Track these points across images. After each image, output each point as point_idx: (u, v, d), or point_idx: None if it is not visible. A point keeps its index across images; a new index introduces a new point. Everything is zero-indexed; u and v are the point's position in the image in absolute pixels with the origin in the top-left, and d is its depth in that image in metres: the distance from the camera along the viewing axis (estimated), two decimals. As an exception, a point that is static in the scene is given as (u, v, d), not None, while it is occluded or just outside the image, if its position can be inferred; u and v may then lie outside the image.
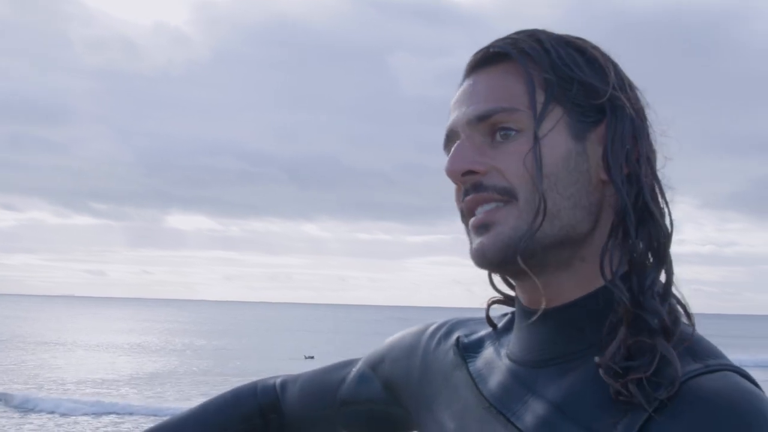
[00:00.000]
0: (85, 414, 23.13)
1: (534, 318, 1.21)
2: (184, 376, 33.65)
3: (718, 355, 1.13)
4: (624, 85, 1.22)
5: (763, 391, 1.08)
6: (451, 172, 1.20)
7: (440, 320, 1.49)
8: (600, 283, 1.17)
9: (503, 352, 1.29)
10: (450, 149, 1.23)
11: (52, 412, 23.44)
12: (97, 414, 23.07)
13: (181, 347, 52.31)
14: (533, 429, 1.14)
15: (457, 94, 1.26)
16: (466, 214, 1.23)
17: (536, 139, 1.16)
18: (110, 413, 23.10)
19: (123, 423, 22.05)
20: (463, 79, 1.27)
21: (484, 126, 1.20)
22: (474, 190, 1.20)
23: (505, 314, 1.38)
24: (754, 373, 1.14)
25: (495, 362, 1.29)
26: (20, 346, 48.92)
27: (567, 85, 1.19)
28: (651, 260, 1.16)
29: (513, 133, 1.18)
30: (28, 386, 29.55)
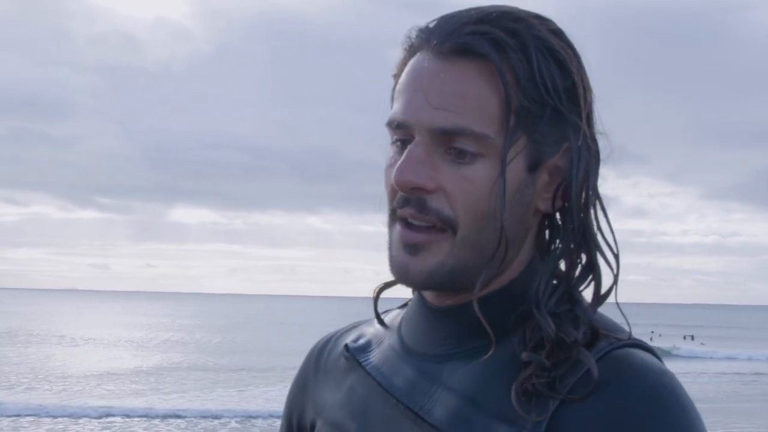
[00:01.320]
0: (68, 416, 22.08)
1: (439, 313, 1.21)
2: (188, 372, 33.57)
3: (619, 328, 1.16)
4: (589, 104, 1.18)
5: (659, 358, 1.14)
6: (402, 184, 1.13)
7: (321, 338, 1.45)
8: (507, 281, 1.18)
9: (402, 348, 1.25)
10: (397, 139, 1.17)
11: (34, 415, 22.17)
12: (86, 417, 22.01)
13: (184, 341, 52.30)
14: (445, 422, 1.13)
15: (415, 71, 1.16)
16: (395, 218, 1.17)
17: (503, 190, 1.11)
18: (109, 416, 22.19)
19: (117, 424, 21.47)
20: (421, 51, 1.18)
21: (444, 138, 1.12)
22: (415, 207, 1.14)
23: (387, 311, 1.36)
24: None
25: (393, 359, 1.25)
26: (21, 341, 48.98)
27: (540, 111, 1.13)
28: (576, 275, 1.17)
29: (469, 156, 1.12)
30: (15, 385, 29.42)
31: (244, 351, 43.36)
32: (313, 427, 1.34)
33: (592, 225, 1.17)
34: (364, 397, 1.25)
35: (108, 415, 21.73)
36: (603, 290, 1.17)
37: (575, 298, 1.15)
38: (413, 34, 1.20)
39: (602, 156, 1.19)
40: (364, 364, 1.28)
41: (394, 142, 1.19)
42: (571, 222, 1.16)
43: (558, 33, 1.18)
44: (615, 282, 1.17)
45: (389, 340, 1.30)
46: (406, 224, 1.15)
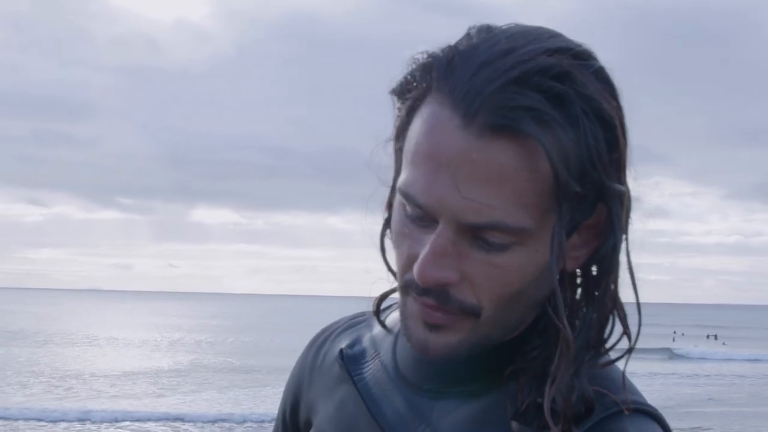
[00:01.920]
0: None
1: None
2: (209, 374, 33.67)
3: (633, 391, 1.08)
4: (625, 168, 1.06)
5: (667, 427, 1.07)
6: (426, 281, 1.02)
7: (322, 328, 1.39)
8: (516, 332, 1.09)
9: (395, 372, 1.19)
10: (413, 214, 1.04)
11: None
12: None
13: (206, 342, 52.42)
14: None
15: (437, 141, 1.00)
16: (408, 293, 1.07)
17: (555, 276, 1.02)
18: (124, 420, 21.95)
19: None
20: (440, 103, 1.00)
21: (473, 230, 1.00)
22: (436, 299, 1.03)
23: (391, 306, 1.29)
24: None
25: (386, 383, 1.19)
26: (40, 341, 49.18)
27: (587, 192, 1.01)
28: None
29: (505, 245, 1.00)
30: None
31: (267, 352, 43.39)
32: (307, 424, 1.32)
33: (616, 289, 1.08)
34: (351, 417, 1.21)
35: (121, 419, 21.65)
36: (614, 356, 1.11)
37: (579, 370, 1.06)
38: (431, 71, 1.03)
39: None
40: (356, 379, 1.23)
41: (408, 215, 1.06)
42: (603, 289, 1.07)
43: (599, 73, 1.04)
44: (630, 350, 1.10)
45: (384, 355, 1.24)
46: (422, 306, 1.06)
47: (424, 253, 1.01)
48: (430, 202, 1.00)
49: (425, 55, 1.04)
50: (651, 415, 1.06)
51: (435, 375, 1.15)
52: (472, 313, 1.04)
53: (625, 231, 1.06)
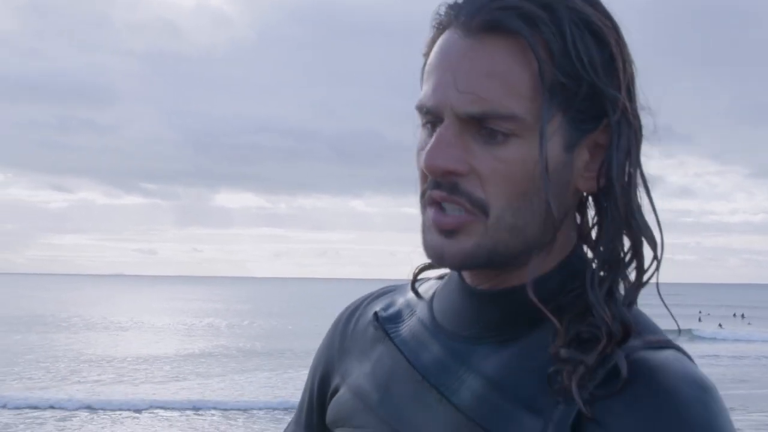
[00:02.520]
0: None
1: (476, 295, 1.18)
2: (229, 360, 33.73)
3: (657, 330, 1.12)
4: (631, 80, 1.12)
5: (699, 370, 1.07)
6: (432, 169, 1.09)
7: (352, 302, 1.41)
8: (549, 268, 1.14)
9: (432, 324, 1.22)
10: (427, 122, 1.13)
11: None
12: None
13: (235, 326, 52.52)
14: (469, 406, 1.10)
15: (443, 51, 1.12)
16: (427, 202, 1.13)
17: (546, 170, 1.07)
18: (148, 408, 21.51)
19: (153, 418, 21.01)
20: (449, 28, 1.13)
21: (474, 121, 1.08)
22: (447, 190, 1.10)
23: (422, 280, 1.32)
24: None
25: (423, 335, 1.22)
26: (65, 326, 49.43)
27: (575, 87, 1.08)
28: (619, 262, 1.12)
29: (501, 136, 1.07)
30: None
31: (292, 336, 43.47)
32: (335, 392, 1.31)
33: (636, 205, 1.12)
34: (389, 369, 1.22)
35: (142, 408, 21.41)
36: (645, 276, 1.13)
37: (613, 292, 1.11)
38: (442, 10, 1.14)
39: (646, 132, 1.14)
40: (392, 335, 1.25)
41: (424, 125, 1.15)
42: (614, 203, 1.11)
43: (595, 4, 1.11)
44: (657, 268, 1.13)
45: (420, 312, 1.26)
46: (439, 207, 1.11)
47: (429, 145, 1.09)
48: (433, 102, 1.10)
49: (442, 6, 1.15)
50: (684, 353, 1.09)
51: (473, 321, 1.17)
52: (481, 208, 1.09)
53: (631, 149, 1.11)
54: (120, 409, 21.22)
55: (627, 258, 1.13)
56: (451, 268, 1.16)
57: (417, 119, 1.17)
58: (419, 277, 1.31)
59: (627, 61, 1.12)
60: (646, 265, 1.13)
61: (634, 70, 1.13)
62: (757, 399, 23.58)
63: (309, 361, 1.43)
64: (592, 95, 1.08)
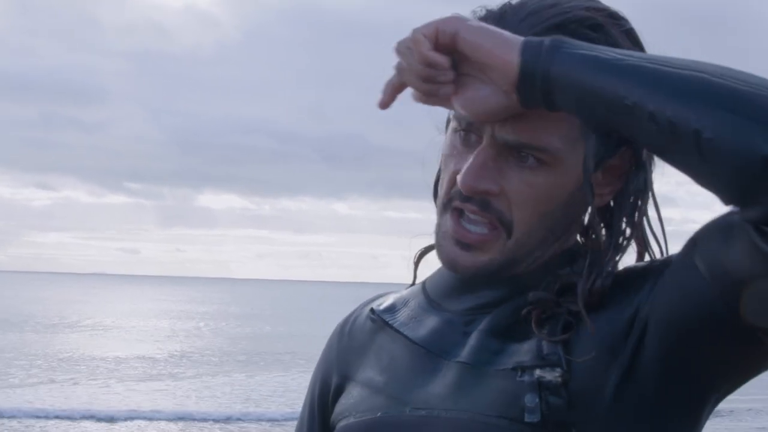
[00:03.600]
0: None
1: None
2: (214, 363, 33.48)
3: None
4: None
5: None
6: (470, 189, 1.16)
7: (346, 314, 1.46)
8: (550, 254, 1.21)
9: (427, 303, 1.28)
10: (461, 131, 1.20)
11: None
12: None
13: (212, 329, 52.30)
14: (471, 357, 1.17)
15: None
16: (450, 209, 1.20)
17: (593, 208, 1.17)
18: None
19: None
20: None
21: (510, 148, 1.16)
22: (478, 206, 1.17)
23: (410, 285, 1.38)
24: None
25: (421, 314, 1.27)
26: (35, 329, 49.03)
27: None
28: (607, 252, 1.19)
29: (533, 160, 1.15)
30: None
31: (277, 339, 43.24)
32: (338, 392, 1.34)
33: (642, 222, 1.21)
34: (391, 352, 1.27)
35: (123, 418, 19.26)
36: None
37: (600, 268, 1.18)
38: (482, 14, 1.19)
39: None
40: (390, 322, 1.30)
41: (456, 131, 1.21)
42: (621, 219, 1.20)
43: (629, 33, 1.19)
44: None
45: (414, 299, 1.31)
46: (459, 218, 1.19)
47: (468, 163, 1.15)
48: (477, 120, 1.14)
49: (482, 10, 1.19)
50: None
51: (466, 292, 1.24)
52: (507, 228, 1.17)
53: (647, 178, 1.20)
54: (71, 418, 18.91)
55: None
56: (461, 276, 1.22)
57: (436, 120, 1.26)
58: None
59: None
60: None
61: None
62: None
63: (300, 363, 1.42)
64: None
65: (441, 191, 1.23)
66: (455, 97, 1.12)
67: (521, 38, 1.08)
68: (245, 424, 19.04)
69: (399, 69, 1.13)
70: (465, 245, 1.18)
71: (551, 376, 1.10)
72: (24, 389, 23.18)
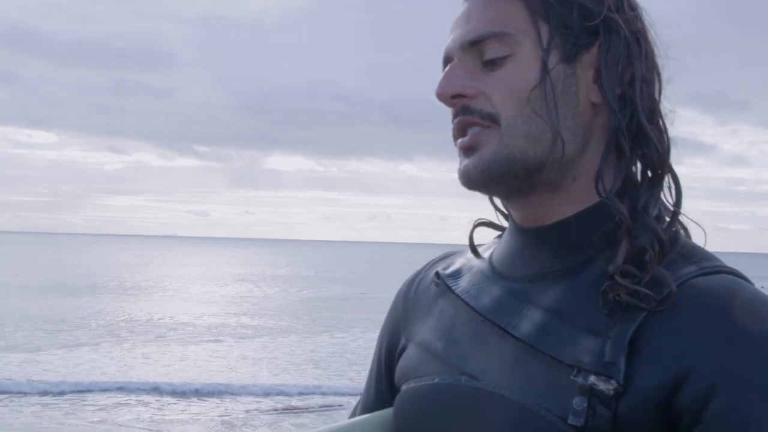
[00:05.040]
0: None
1: (528, 235, 1.24)
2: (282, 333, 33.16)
3: (713, 258, 1.16)
4: (623, 5, 1.21)
5: (751, 288, 1.12)
6: (440, 95, 1.22)
7: (413, 272, 1.48)
8: (593, 200, 1.19)
9: (491, 271, 1.28)
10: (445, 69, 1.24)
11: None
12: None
13: (288, 295, 51.83)
14: (530, 335, 1.15)
15: (456, 16, 1.25)
16: (456, 135, 1.23)
17: (546, 71, 1.18)
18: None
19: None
20: (464, 1, 1.26)
21: (475, 50, 1.20)
22: (462, 113, 1.20)
23: (481, 245, 1.38)
24: None
25: (483, 282, 1.27)
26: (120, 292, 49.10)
27: (561, 7, 1.19)
28: (648, 179, 1.19)
29: (500, 61, 1.19)
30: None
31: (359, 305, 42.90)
32: (402, 352, 1.36)
33: (644, 123, 1.18)
34: (451, 318, 1.27)
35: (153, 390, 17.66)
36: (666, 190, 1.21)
37: (647, 209, 1.18)
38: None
39: (657, 60, 1.23)
40: (453, 288, 1.31)
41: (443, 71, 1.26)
42: (615, 117, 1.18)
43: None
44: (677, 187, 1.20)
45: (480, 265, 1.32)
46: (463, 135, 1.21)
47: (440, 79, 1.22)
48: (447, 48, 1.24)
49: None
50: (742, 277, 1.14)
51: (528, 261, 1.23)
52: (493, 119, 1.18)
53: (622, 61, 1.19)
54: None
55: (650, 174, 1.20)
56: (478, 186, 1.22)
57: None
58: (478, 243, 1.38)
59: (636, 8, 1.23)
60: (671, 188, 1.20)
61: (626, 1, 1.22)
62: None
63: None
64: (580, 12, 1.19)
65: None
66: None
67: None
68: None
69: None
70: (468, 150, 1.20)
71: (605, 386, 1.06)
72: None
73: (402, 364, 1.33)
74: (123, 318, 31.89)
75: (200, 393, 17.45)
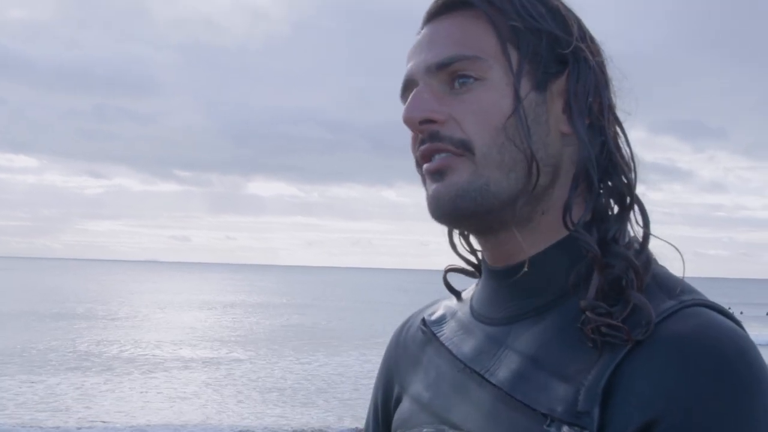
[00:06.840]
0: None
1: (499, 276, 1.22)
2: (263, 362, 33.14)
3: (692, 291, 1.12)
4: (586, 37, 1.21)
5: (738, 324, 1.09)
6: (408, 120, 1.17)
7: (403, 319, 1.47)
8: (563, 234, 1.17)
9: (472, 316, 1.27)
10: (407, 98, 1.20)
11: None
12: None
13: (269, 323, 51.76)
14: (507, 382, 1.13)
15: (414, 42, 1.23)
16: (420, 162, 1.20)
17: (519, 100, 1.15)
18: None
19: None
20: (421, 28, 1.24)
21: (443, 74, 1.17)
22: (430, 140, 1.17)
23: (465, 289, 1.37)
24: None
25: (465, 328, 1.27)
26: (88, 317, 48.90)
27: (530, 36, 1.17)
28: (616, 210, 1.18)
29: (472, 81, 1.16)
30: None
31: (331, 333, 42.86)
32: (398, 402, 1.37)
33: (613, 152, 1.18)
34: (437, 367, 1.28)
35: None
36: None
37: (617, 240, 1.16)
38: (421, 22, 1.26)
39: (617, 84, 1.22)
40: (438, 334, 1.31)
41: (403, 96, 1.23)
42: (585, 148, 1.16)
43: None
44: (627, 207, 1.18)
45: (462, 310, 1.31)
46: (429, 160, 1.18)
47: (407, 103, 1.19)
48: (410, 72, 1.21)
49: None
50: (722, 311, 1.10)
51: (503, 303, 1.21)
52: (465, 146, 1.15)
53: (594, 90, 1.19)
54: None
55: (619, 209, 1.18)
56: (447, 215, 1.18)
57: None
58: (461, 286, 1.38)
59: (576, 16, 1.22)
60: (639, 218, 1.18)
61: (588, 32, 1.22)
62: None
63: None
64: (548, 41, 1.18)
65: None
66: None
67: None
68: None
69: None
70: (437, 174, 1.17)
71: None
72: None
73: (396, 417, 1.34)
74: (75, 349, 30.89)
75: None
